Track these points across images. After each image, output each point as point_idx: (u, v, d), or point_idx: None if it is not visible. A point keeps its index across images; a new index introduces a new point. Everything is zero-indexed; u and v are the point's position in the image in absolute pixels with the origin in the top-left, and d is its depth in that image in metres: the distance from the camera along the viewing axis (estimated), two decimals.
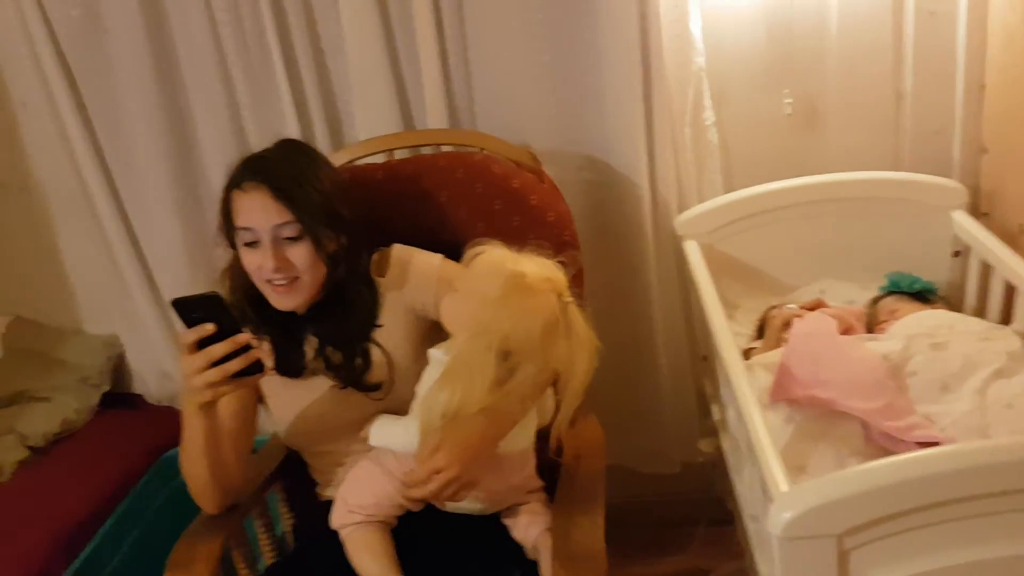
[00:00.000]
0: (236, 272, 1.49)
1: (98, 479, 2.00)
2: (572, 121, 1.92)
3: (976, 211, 1.89)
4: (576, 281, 1.46)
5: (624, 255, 1.98)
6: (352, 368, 1.48)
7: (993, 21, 1.80)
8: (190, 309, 1.27)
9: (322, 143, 1.97)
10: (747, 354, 1.74)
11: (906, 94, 1.91)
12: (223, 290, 1.50)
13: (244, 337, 1.28)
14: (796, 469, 1.43)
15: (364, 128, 1.94)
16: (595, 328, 1.36)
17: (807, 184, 1.90)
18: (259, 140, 1.93)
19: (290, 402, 1.53)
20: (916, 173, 1.90)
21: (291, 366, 1.51)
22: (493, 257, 1.37)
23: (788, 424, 1.50)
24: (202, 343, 1.27)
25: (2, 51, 2.07)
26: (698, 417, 2.11)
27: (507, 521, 1.47)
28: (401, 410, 1.45)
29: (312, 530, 1.55)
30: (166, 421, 2.14)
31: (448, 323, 1.46)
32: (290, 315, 1.47)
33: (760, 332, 1.86)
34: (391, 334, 1.50)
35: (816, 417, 1.50)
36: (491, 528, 1.47)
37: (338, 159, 1.76)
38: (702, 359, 2.03)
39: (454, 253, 1.49)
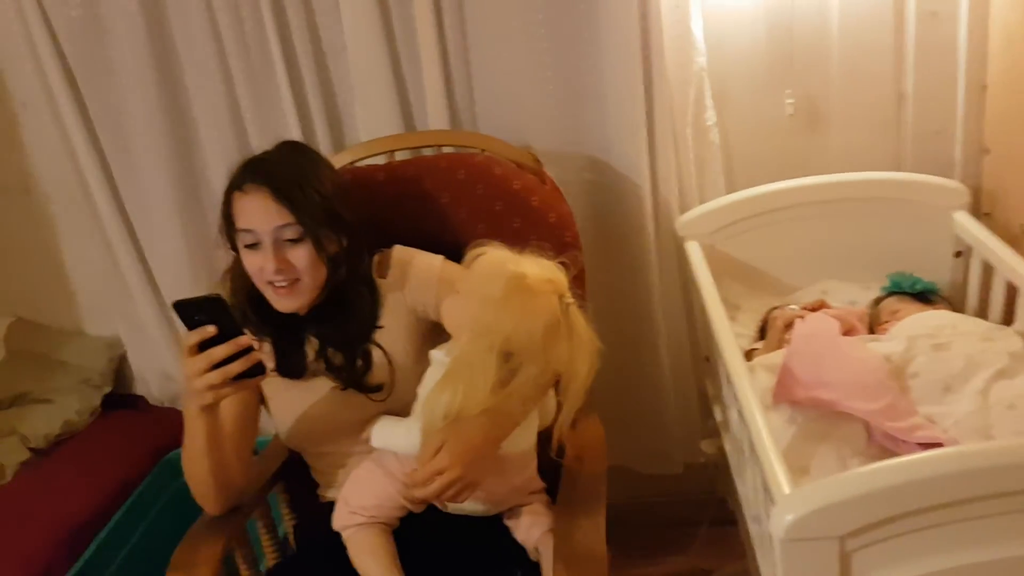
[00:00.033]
0: (237, 274, 1.49)
1: (100, 480, 2.01)
2: (573, 122, 1.92)
3: (977, 211, 1.89)
4: (577, 282, 1.46)
5: (626, 256, 1.98)
6: (353, 369, 1.48)
7: (994, 21, 1.80)
8: (192, 311, 1.27)
9: (323, 144, 1.97)
10: (749, 355, 1.74)
11: (907, 94, 1.91)
12: (224, 292, 1.50)
13: (246, 339, 1.28)
14: (798, 470, 1.42)
15: (365, 129, 1.94)
16: (597, 329, 1.36)
17: (808, 185, 1.90)
18: (260, 141, 1.93)
19: (291, 403, 1.53)
20: (917, 173, 1.90)
21: (292, 367, 1.51)
22: (494, 258, 1.37)
23: (790, 425, 1.50)
24: (204, 345, 1.27)
25: (3, 52, 2.08)
26: (700, 418, 2.11)
27: (509, 522, 1.47)
28: (403, 411, 1.45)
29: (314, 531, 1.55)
30: (168, 422, 2.15)
31: (449, 324, 1.46)
32: (291, 316, 1.47)
33: (762, 333, 1.86)
34: (392, 335, 1.50)
35: (818, 418, 1.49)
36: (493, 529, 1.47)
37: (339, 160, 1.76)
38: (704, 360, 2.03)
39: (455, 254, 1.49)
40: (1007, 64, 1.79)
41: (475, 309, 1.33)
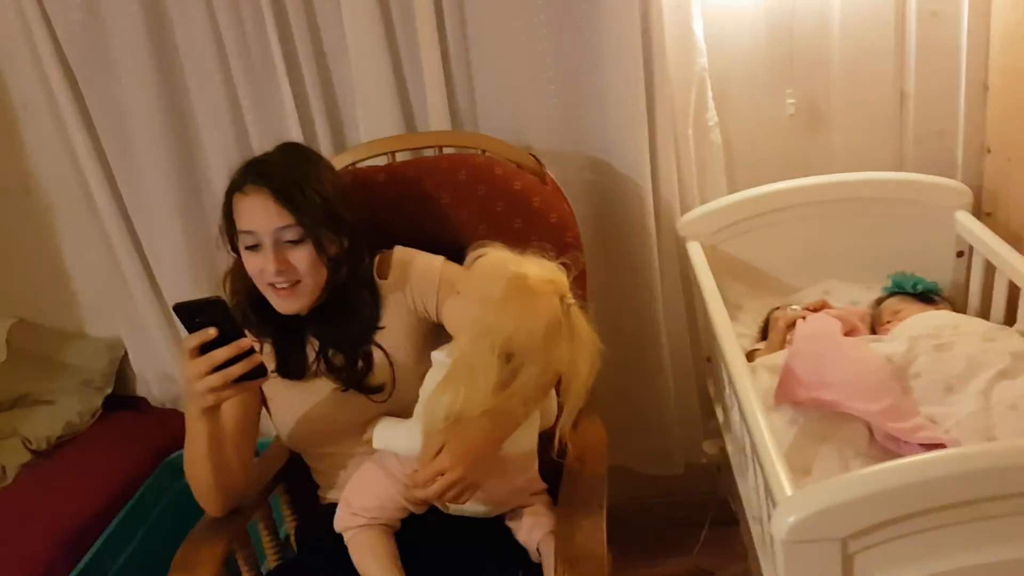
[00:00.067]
0: (238, 275, 1.49)
1: (101, 482, 2.01)
2: (574, 122, 1.91)
3: (979, 211, 1.89)
4: (579, 282, 1.45)
5: (627, 256, 1.98)
6: (354, 370, 1.48)
7: (996, 21, 1.80)
8: (193, 314, 1.27)
9: (324, 145, 1.97)
10: (751, 355, 1.74)
11: (909, 94, 1.90)
12: (224, 293, 1.50)
13: (246, 342, 1.28)
14: (800, 471, 1.42)
15: (366, 130, 1.94)
16: (598, 329, 1.36)
17: (810, 185, 1.90)
18: (261, 142, 1.93)
19: (292, 404, 1.53)
20: (919, 173, 1.89)
21: (293, 368, 1.51)
22: (495, 259, 1.37)
23: (792, 426, 1.50)
24: (204, 348, 1.26)
25: (3, 53, 2.08)
26: (702, 419, 2.11)
27: (510, 523, 1.47)
28: (404, 412, 1.45)
29: (315, 533, 1.55)
30: (169, 423, 2.15)
31: (450, 325, 1.46)
32: (292, 317, 1.47)
33: (764, 333, 1.86)
34: (393, 336, 1.50)
35: (820, 419, 1.49)
36: (495, 530, 1.47)
37: (340, 161, 1.76)
38: (705, 360, 2.03)
39: (456, 255, 1.49)
40: (1008, 63, 1.78)
41: (476, 310, 1.33)
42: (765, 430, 1.31)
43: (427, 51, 1.87)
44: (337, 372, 1.49)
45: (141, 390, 2.34)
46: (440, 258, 1.54)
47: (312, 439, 1.56)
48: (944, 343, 1.56)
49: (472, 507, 1.39)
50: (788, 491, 1.17)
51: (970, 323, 1.66)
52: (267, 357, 1.50)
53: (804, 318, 1.74)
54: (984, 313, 1.76)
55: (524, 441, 1.43)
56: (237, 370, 1.27)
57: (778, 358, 1.62)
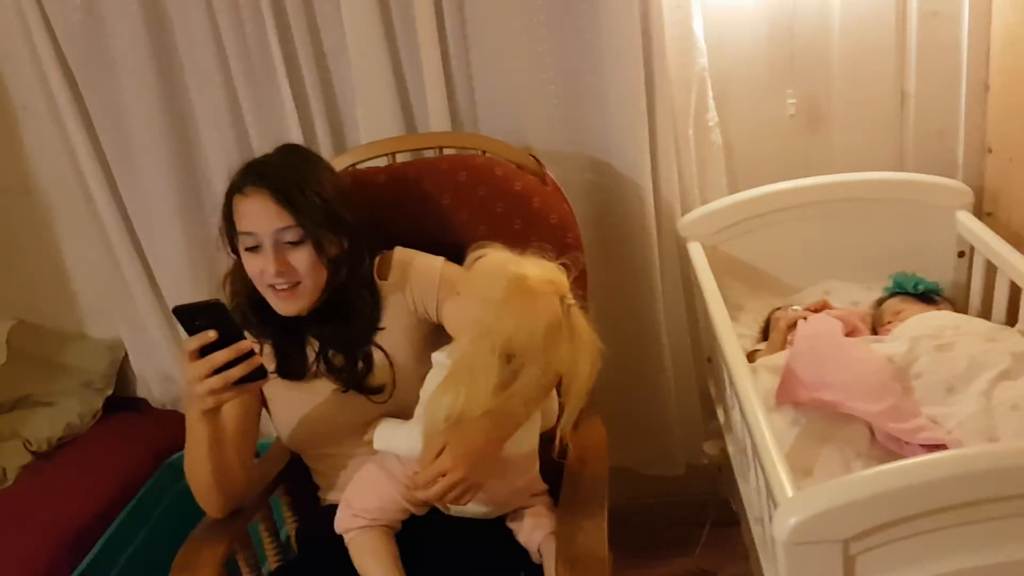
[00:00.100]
0: (237, 277, 1.49)
1: (102, 483, 2.01)
2: (574, 123, 1.91)
3: (980, 211, 1.88)
4: (579, 283, 1.45)
5: (627, 257, 1.98)
6: (354, 371, 1.48)
7: (996, 20, 1.80)
8: (192, 316, 1.26)
9: (324, 146, 1.97)
10: (752, 356, 1.74)
11: (910, 94, 1.90)
12: (224, 294, 1.50)
13: (246, 344, 1.28)
14: (801, 471, 1.42)
15: (366, 131, 1.94)
16: (599, 330, 1.35)
17: (811, 185, 1.90)
18: (261, 144, 1.93)
19: (292, 405, 1.53)
20: (920, 173, 1.89)
21: (293, 369, 1.51)
22: (495, 260, 1.37)
23: (793, 426, 1.50)
24: (204, 350, 1.26)
25: (3, 54, 2.07)
26: (702, 419, 2.10)
27: (511, 525, 1.47)
28: (404, 413, 1.45)
29: (316, 534, 1.55)
30: (169, 425, 2.15)
31: (450, 326, 1.46)
32: (292, 318, 1.47)
33: (765, 334, 1.86)
34: (393, 337, 1.50)
35: (821, 419, 1.49)
36: (495, 532, 1.46)
37: (340, 162, 1.76)
38: (706, 361, 2.02)
39: (456, 256, 1.49)
40: (1009, 63, 1.78)
41: (476, 311, 1.33)
42: (766, 431, 1.31)
43: (427, 52, 1.87)
44: (337, 373, 1.49)
45: (141, 391, 2.34)
46: (440, 259, 1.54)
47: (312, 440, 1.56)
48: (945, 343, 1.56)
49: (473, 508, 1.38)
50: (789, 492, 1.16)
51: (971, 323, 1.66)
52: (267, 358, 1.50)
53: (805, 318, 1.74)
54: (985, 313, 1.76)
55: (525, 442, 1.43)
56: (237, 372, 1.27)
57: (779, 359, 1.62)
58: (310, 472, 1.62)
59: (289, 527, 1.70)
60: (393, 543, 1.42)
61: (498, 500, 1.44)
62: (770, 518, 1.21)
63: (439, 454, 1.28)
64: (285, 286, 1.41)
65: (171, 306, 1.85)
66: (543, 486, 1.51)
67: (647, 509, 2.16)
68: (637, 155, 1.88)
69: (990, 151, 1.89)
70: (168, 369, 2.24)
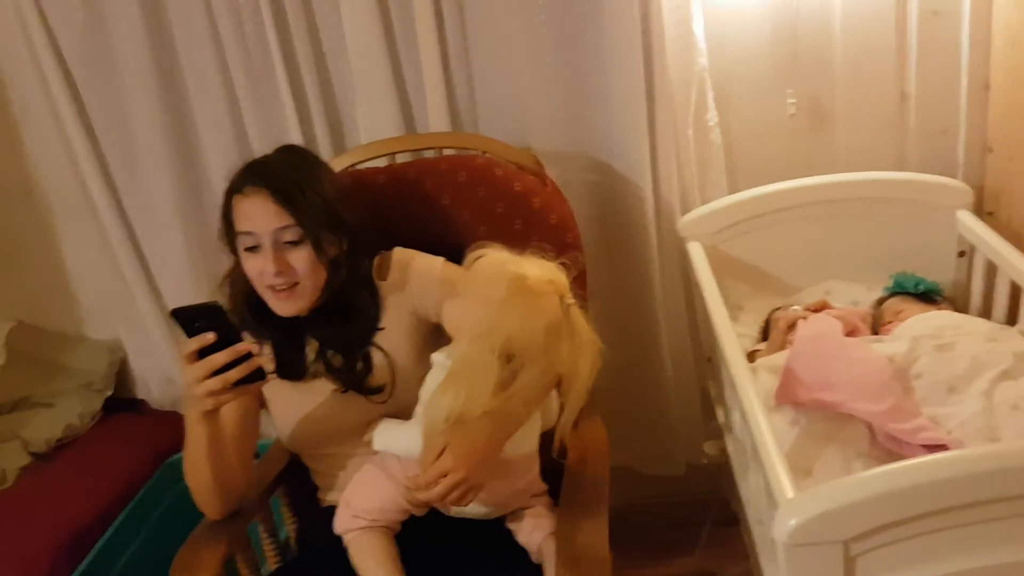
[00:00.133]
0: (237, 278, 1.49)
1: (101, 485, 2.00)
2: (574, 123, 1.91)
3: (981, 211, 1.88)
4: (579, 283, 1.45)
5: (627, 257, 1.97)
6: (353, 372, 1.48)
7: (997, 20, 1.79)
8: (191, 319, 1.26)
9: (323, 147, 1.97)
10: (752, 356, 1.74)
11: (910, 94, 1.90)
12: (223, 296, 1.50)
13: (244, 346, 1.28)
14: (802, 472, 1.42)
15: (366, 132, 1.94)
16: (599, 330, 1.35)
17: (811, 185, 1.89)
18: (261, 144, 1.92)
19: (292, 406, 1.53)
20: (920, 173, 1.89)
21: (292, 370, 1.51)
22: (495, 260, 1.37)
23: (794, 427, 1.50)
24: (203, 352, 1.26)
25: (2, 56, 2.07)
26: (703, 419, 2.10)
27: (511, 525, 1.47)
28: (404, 414, 1.45)
29: (316, 535, 1.55)
30: (169, 426, 2.14)
31: (450, 327, 1.45)
32: (291, 319, 1.47)
33: (765, 334, 1.85)
34: (393, 337, 1.50)
35: (822, 419, 1.49)
36: (495, 532, 1.46)
37: (340, 163, 1.76)
38: (706, 361, 2.02)
39: (456, 256, 1.49)
40: (1010, 63, 1.78)
41: (476, 311, 1.33)
42: (766, 431, 1.31)
43: (427, 52, 1.87)
44: (336, 373, 1.49)
45: (141, 392, 2.34)
46: (440, 259, 1.53)
47: (312, 440, 1.55)
48: (946, 343, 1.56)
49: (473, 509, 1.38)
50: (790, 493, 1.16)
51: (972, 323, 1.66)
52: (266, 359, 1.49)
53: (805, 318, 1.73)
54: (986, 313, 1.75)
55: (525, 443, 1.43)
56: (236, 374, 1.27)
57: (779, 359, 1.62)
58: (310, 473, 1.62)
59: (288, 528, 1.69)
60: (393, 544, 1.42)
61: (498, 501, 1.43)
62: (770, 518, 1.20)
63: (440, 455, 1.28)
64: (284, 286, 1.41)
65: (171, 307, 1.85)
66: (543, 486, 1.51)
67: (647, 509, 2.16)
68: (637, 155, 1.88)
69: (991, 150, 1.89)
70: (168, 370, 2.24)
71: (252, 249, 1.41)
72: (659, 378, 2.05)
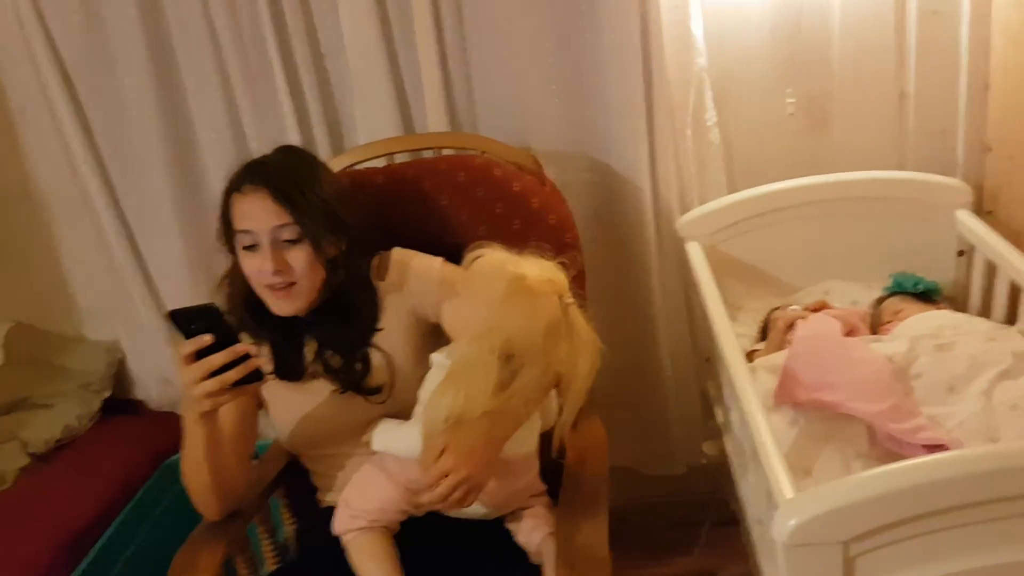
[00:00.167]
0: (235, 278, 1.49)
1: (100, 486, 2.00)
2: (573, 123, 1.91)
3: (980, 210, 1.88)
4: (578, 283, 1.45)
5: (626, 257, 1.97)
6: (352, 372, 1.48)
7: (996, 19, 1.79)
8: (187, 320, 1.26)
9: (322, 147, 1.97)
10: (750, 356, 1.74)
11: (909, 93, 1.90)
12: (222, 297, 1.50)
13: (242, 347, 1.28)
14: (801, 472, 1.42)
15: (364, 132, 1.93)
16: (597, 330, 1.35)
17: (810, 184, 1.89)
18: (259, 145, 1.92)
19: (291, 406, 1.53)
20: (919, 172, 1.89)
21: (291, 370, 1.51)
22: (494, 259, 1.36)
23: (793, 427, 1.50)
24: (200, 354, 1.26)
25: (0, 56, 2.07)
26: (702, 419, 2.10)
27: (510, 526, 1.46)
28: (403, 414, 1.45)
29: (315, 536, 1.54)
30: (167, 427, 2.12)
31: (449, 327, 1.45)
32: (290, 319, 1.47)
33: (763, 334, 1.85)
34: (392, 337, 1.49)
35: (821, 420, 1.49)
36: (494, 533, 1.46)
37: (338, 163, 1.76)
38: (705, 361, 2.02)
39: (455, 256, 1.49)
40: (1009, 62, 1.78)
41: (476, 311, 1.33)
42: (765, 432, 1.30)
43: (425, 52, 1.86)
44: (335, 374, 1.49)
45: (140, 393, 2.33)
46: (439, 259, 1.53)
47: (311, 441, 1.55)
48: (945, 343, 1.55)
49: (473, 509, 1.37)
50: (789, 494, 1.16)
51: (971, 323, 1.66)
52: (265, 360, 1.49)
53: (804, 318, 1.73)
54: (985, 312, 1.75)
55: (525, 443, 1.43)
56: (233, 375, 1.27)
57: (778, 359, 1.62)
58: (309, 473, 1.61)
59: (287, 529, 1.69)
60: (392, 544, 1.42)
61: (498, 501, 1.43)
62: (770, 519, 1.20)
63: (440, 455, 1.28)
64: (282, 285, 1.41)
65: (169, 308, 1.84)
66: (542, 486, 1.50)
67: (647, 509, 2.16)
68: (636, 155, 1.88)
69: (990, 150, 1.89)
70: (166, 371, 2.24)
71: (250, 248, 1.41)
72: (658, 378, 2.05)
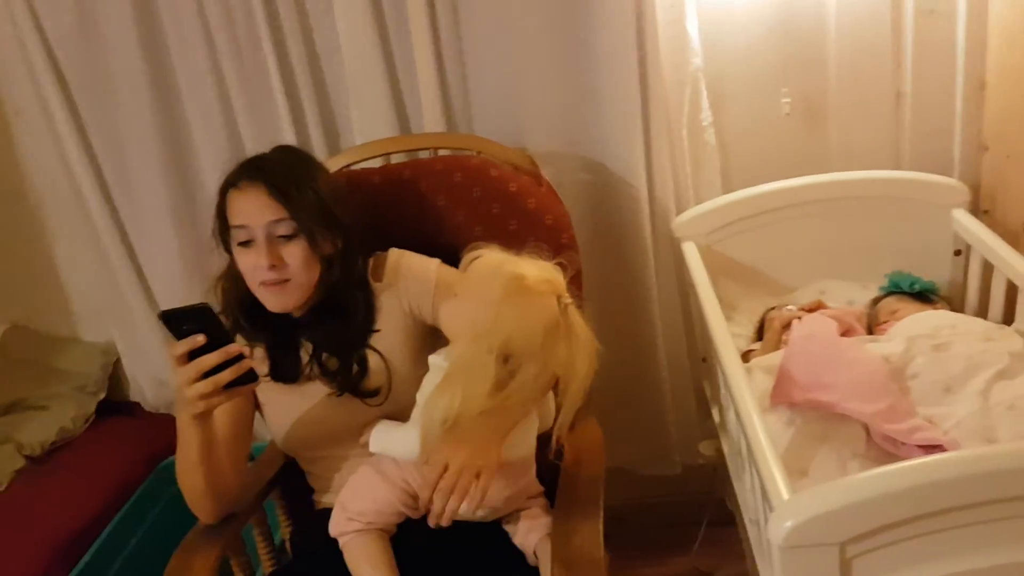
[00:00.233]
0: (230, 278, 1.49)
1: (95, 488, 2.00)
2: (569, 123, 1.91)
3: (977, 209, 1.88)
4: (575, 283, 1.45)
5: (622, 257, 1.97)
6: (348, 374, 1.47)
7: (993, 19, 1.79)
8: (180, 321, 1.25)
9: (318, 147, 1.96)
10: (746, 356, 1.74)
11: (906, 93, 1.90)
12: (216, 298, 1.49)
13: (235, 347, 1.27)
14: (797, 472, 1.42)
15: (360, 132, 1.93)
16: (594, 330, 1.35)
17: (806, 184, 1.89)
18: (255, 145, 1.91)
19: (286, 409, 1.52)
20: (916, 172, 1.89)
21: (286, 372, 1.50)
22: (491, 260, 1.36)
23: (789, 427, 1.49)
24: (193, 354, 1.25)
25: None
26: (698, 419, 2.10)
27: (507, 527, 1.46)
28: (400, 416, 1.45)
29: (311, 538, 1.54)
30: (163, 429, 2.11)
31: (447, 328, 1.45)
32: (285, 321, 1.46)
33: (759, 334, 1.85)
34: (389, 339, 1.49)
35: (817, 420, 1.49)
36: (491, 534, 1.46)
37: (334, 163, 1.76)
38: (702, 361, 2.02)
39: (452, 257, 1.48)
40: (1006, 61, 1.78)
41: (473, 312, 1.33)
42: (761, 432, 1.30)
43: (421, 52, 1.86)
44: (331, 376, 1.48)
45: (135, 395, 2.33)
46: (435, 261, 1.53)
47: (307, 443, 1.55)
48: (942, 343, 1.55)
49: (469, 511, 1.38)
50: (785, 495, 1.16)
51: (968, 322, 1.65)
52: (260, 361, 1.49)
53: (800, 318, 1.73)
54: (982, 312, 1.75)
55: (523, 446, 1.42)
56: (227, 376, 1.26)
57: (774, 359, 1.61)
58: (305, 475, 1.61)
59: (283, 531, 1.69)
60: (388, 546, 1.41)
61: (495, 504, 1.43)
62: (766, 520, 1.20)
63: (439, 456, 1.27)
64: (276, 280, 1.40)
65: (163, 309, 1.84)
66: (539, 488, 1.50)
67: (643, 509, 2.16)
68: (631, 155, 1.87)
69: (987, 149, 1.89)
70: (161, 373, 2.24)
71: (245, 244, 1.41)
72: (654, 378, 2.05)
